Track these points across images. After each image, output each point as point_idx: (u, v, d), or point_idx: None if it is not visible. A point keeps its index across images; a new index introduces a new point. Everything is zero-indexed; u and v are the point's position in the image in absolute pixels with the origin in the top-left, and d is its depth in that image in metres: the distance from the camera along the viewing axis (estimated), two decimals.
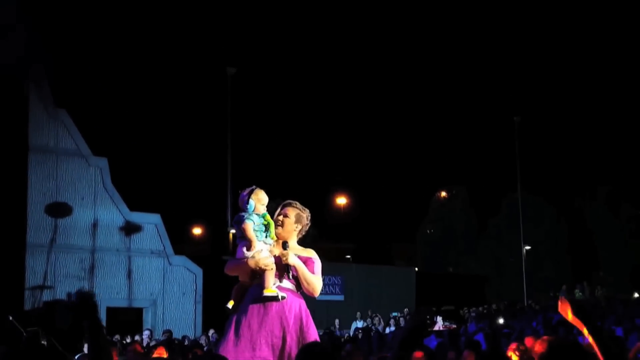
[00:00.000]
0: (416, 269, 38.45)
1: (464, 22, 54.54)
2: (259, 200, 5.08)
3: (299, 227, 5.22)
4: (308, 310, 4.99)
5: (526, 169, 36.46)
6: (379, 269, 33.64)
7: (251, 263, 4.94)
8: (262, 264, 4.92)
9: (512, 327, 13.29)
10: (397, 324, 22.69)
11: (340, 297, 30.21)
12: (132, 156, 34.56)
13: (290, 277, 4.95)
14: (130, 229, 22.01)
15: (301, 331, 4.85)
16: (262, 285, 4.91)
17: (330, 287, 30.28)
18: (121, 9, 37.11)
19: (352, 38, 56.31)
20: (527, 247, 36.54)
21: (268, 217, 5.09)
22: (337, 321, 25.16)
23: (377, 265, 34.97)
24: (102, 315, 21.11)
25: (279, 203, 5.30)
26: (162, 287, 22.35)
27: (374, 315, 25.87)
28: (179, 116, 42.49)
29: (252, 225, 4.98)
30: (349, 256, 46.93)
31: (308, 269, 5.03)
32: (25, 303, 20.20)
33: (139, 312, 22.11)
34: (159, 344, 7.27)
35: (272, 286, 4.89)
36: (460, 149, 50.25)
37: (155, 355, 6.25)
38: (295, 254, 5.05)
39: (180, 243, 27.83)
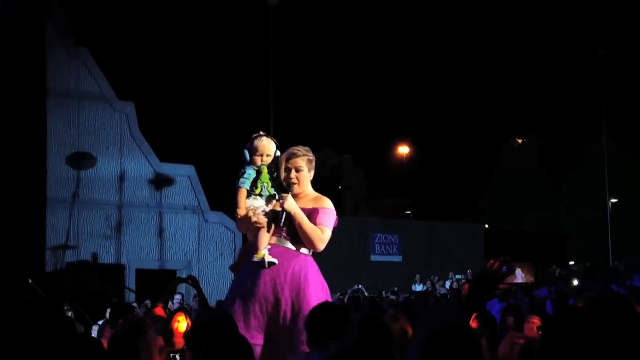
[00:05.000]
0: (486, 226, 38.13)
1: None
2: (256, 149, 5.11)
3: (312, 171, 5.20)
4: (312, 271, 4.99)
5: (612, 112, 35.55)
6: (442, 226, 33.40)
7: (244, 218, 5.01)
8: (253, 220, 4.97)
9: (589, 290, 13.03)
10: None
11: (398, 258, 30.10)
12: (162, 100, 34.70)
13: (281, 224, 4.94)
14: (160, 182, 22.11)
15: (297, 295, 4.87)
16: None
17: (387, 246, 30.17)
18: None
19: None
20: (613, 200, 35.83)
21: (264, 169, 5.10)
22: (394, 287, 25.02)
23: (440, 222, 34.75)
24: (132, 278, 21.35)
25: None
26: (197, 246, 22.47)
27: (435, 278, 25.66)
28: (215, 54, 42.13)
29: (245, 191, 5.05)
30: (409, 212, 46.77)
31: (311, 219, 4.98)
32: (46, 265, 20.46)
33: (171, 274, 22.24)
34: (178, 309, 7.22)
35: (264, 249, 4.93)
36: (536, 90, 49.21)
37: (174, 322, 6.16)
38: (304, 206, 5.03)
39: (220, 198, 27.83)
